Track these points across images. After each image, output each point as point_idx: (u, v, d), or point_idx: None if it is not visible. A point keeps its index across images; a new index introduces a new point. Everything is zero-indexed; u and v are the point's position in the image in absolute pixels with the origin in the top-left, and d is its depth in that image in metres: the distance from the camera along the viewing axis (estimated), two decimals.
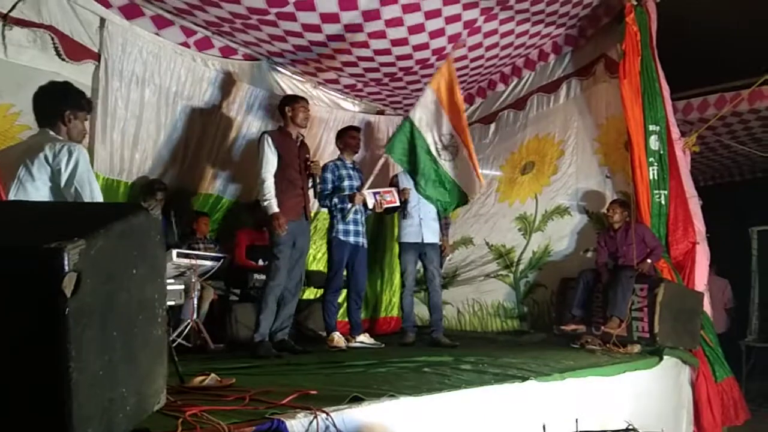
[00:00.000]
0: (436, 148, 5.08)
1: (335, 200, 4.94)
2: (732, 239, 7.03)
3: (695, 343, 4.73)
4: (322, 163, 4.90)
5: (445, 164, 5.09)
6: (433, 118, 5.10)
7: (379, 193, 5.14)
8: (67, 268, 1.31)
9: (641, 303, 4.67)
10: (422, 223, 5.30)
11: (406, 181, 5.36)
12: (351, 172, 5.10)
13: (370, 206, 5.09)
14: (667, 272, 4.91)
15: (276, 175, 4.33)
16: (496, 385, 2.96)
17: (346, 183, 5.01)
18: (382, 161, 5.18)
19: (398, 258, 5.54)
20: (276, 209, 4.25)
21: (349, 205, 4.92)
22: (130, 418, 1.60)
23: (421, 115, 5.08)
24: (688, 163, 5.29)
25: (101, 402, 1.45)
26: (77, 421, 1.35)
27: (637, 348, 4.58)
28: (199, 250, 5.02)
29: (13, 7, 4.01)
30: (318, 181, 4.66)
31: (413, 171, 5.08)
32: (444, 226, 5.55)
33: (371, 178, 5.05)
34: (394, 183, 5.47)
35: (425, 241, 5.30)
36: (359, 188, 5.03)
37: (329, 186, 4.96)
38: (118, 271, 1.55)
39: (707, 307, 4.99)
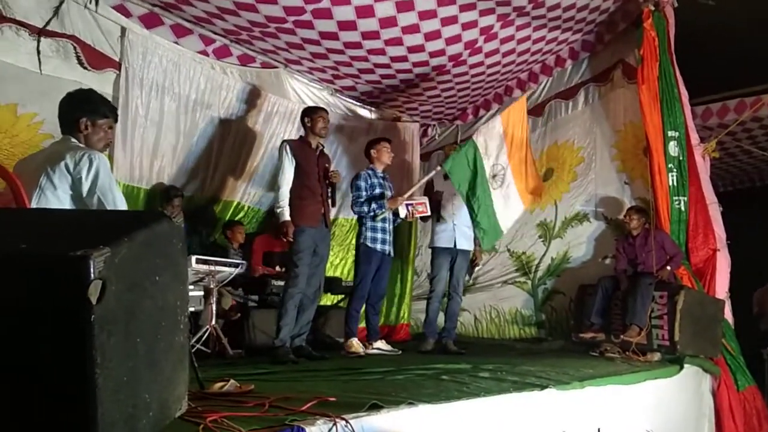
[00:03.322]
0: (490, 175, 5.10)
1: (373, 205, 4.91)
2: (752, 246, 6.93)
3: (716, 351, 4.67)
4: (344, 172, 4.93)
5: (493, 192, 5.09)
6: (494, 146, 5.13)
7: (411, 204, 5.12)
8: (92, 275, 1.32)
9: (661, 310, 4.62)
10: (456, 229, 5.26)
11: (441, 184, 5.34)
12: (382, 181, 5.10)
13: (402, 216, 5.10)
14: (687, 279, 4.86)
15: (295, 183, 4.38)
16: (514, 393, 2.93)
17: (378, 191, 5.00)
18: (432, 174, 5.23)
19: (430, 263, 5.48)
20: (287, 218, 4.30)
21: (385, 209, 4.91)
22: (153, 424, 1.61)
23: (485, 141, 5.09)
24: (707, 169, 5.24)
25: (125, 408, 1.46)
26: (102, 427, 1.36)
27: (657, 356, 4.53)
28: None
29: (48, 23, 4.13)
30: (339, 190, 4.70)
31: (469, 194, 4.99)
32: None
33: (415, 188, 5.20)
34: (429, 187, 5.46)
35: (458, 247, 5.26)
36: (393, 196, 5.06)
37: (363, 194, 4.96)
38: (141, 278, 1.56)
39: (728, 314, 4.93)
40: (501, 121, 5.15)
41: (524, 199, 5.24)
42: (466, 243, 5.33)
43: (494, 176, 5.11)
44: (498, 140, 5.13)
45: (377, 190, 5.00)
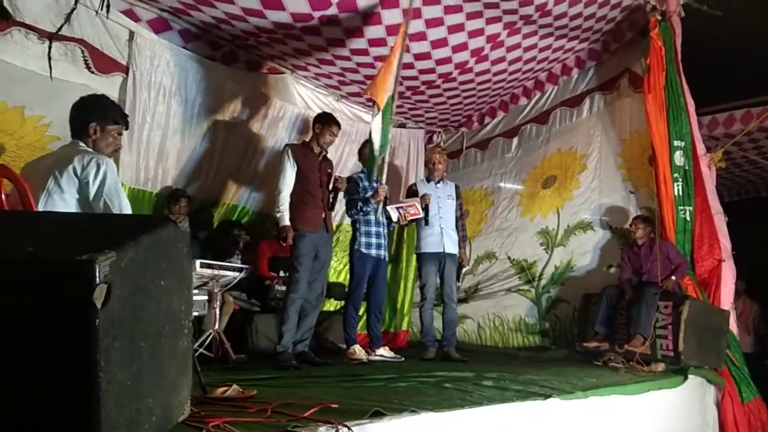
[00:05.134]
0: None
1: (360, 204, 4.86)
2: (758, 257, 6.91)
3: (721, 362, 4.64)
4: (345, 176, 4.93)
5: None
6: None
7: (402, 207, 5.09)
8: (98, 279, 1.33)
9: (665, 321, 4.60)
10: (443, 232, 5.23)
11: (424, 188, 5.32)
12: (375, 184, 5.03)
13: (395, 220, 5.08)
14: (692, 289, 4.84)
15: (296, 188, 4.39)
16: (518, 402, 2.92)
17: (370, 194, 4.93)
18: (384, 165, 4.84)
19: (418, 270, 5.46)
20: (287, 222, 4.31)
21: (373, 203, 4.82)
22: (156, 428, 1.61)
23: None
24: (713, 179, 5.22)
25: (128, 412, 1.46)
26: (105, 430, 1.36)
27: (661, 366, 4.50)
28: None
29: (60, 28, 4.14)
30: (340, 196, 4.70)
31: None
32: (462, 238, 5.48)
33: (378, 171, 4.88)
34: (412, 191, 5.44)
35: (446, 250, 5.23)
36: (386, 200, 5.02)
37: (356, 197, 4.93)
38: (146, 282, 1.57)
39: (733, 325, 4.90)
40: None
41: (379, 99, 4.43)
42: (452, 246, 5.28)
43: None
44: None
45: (369, 193, 4.92)
